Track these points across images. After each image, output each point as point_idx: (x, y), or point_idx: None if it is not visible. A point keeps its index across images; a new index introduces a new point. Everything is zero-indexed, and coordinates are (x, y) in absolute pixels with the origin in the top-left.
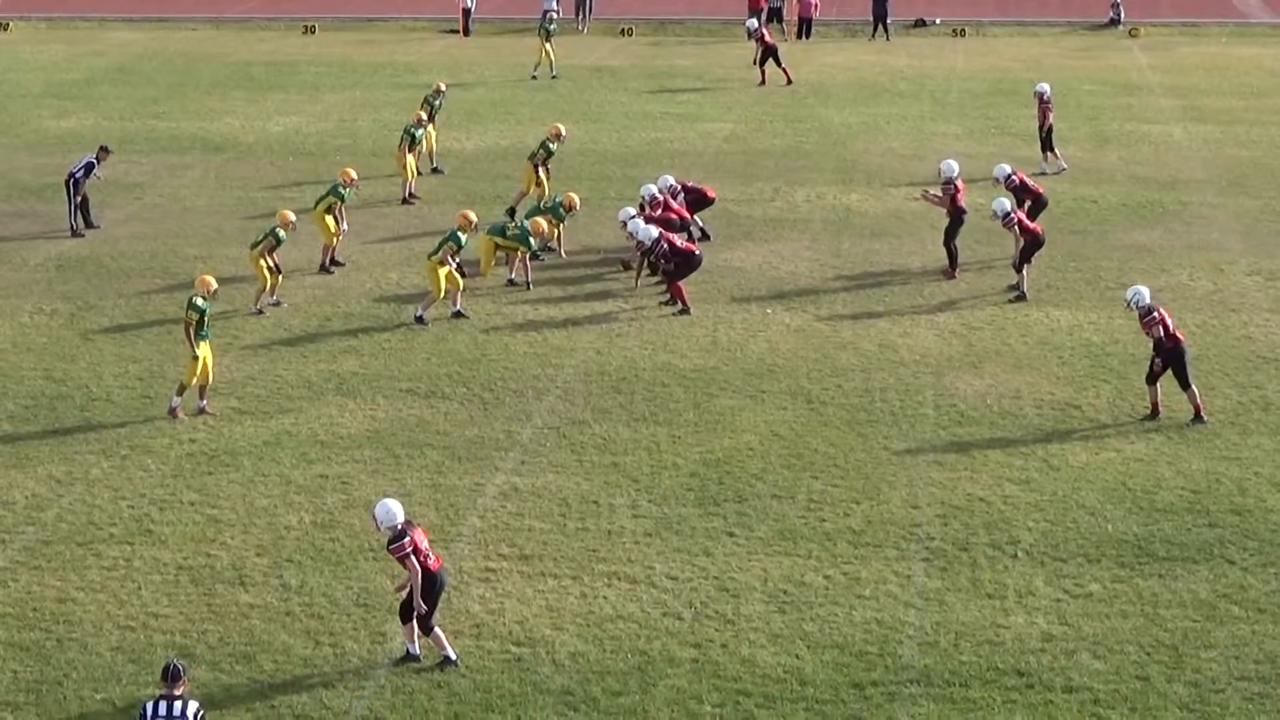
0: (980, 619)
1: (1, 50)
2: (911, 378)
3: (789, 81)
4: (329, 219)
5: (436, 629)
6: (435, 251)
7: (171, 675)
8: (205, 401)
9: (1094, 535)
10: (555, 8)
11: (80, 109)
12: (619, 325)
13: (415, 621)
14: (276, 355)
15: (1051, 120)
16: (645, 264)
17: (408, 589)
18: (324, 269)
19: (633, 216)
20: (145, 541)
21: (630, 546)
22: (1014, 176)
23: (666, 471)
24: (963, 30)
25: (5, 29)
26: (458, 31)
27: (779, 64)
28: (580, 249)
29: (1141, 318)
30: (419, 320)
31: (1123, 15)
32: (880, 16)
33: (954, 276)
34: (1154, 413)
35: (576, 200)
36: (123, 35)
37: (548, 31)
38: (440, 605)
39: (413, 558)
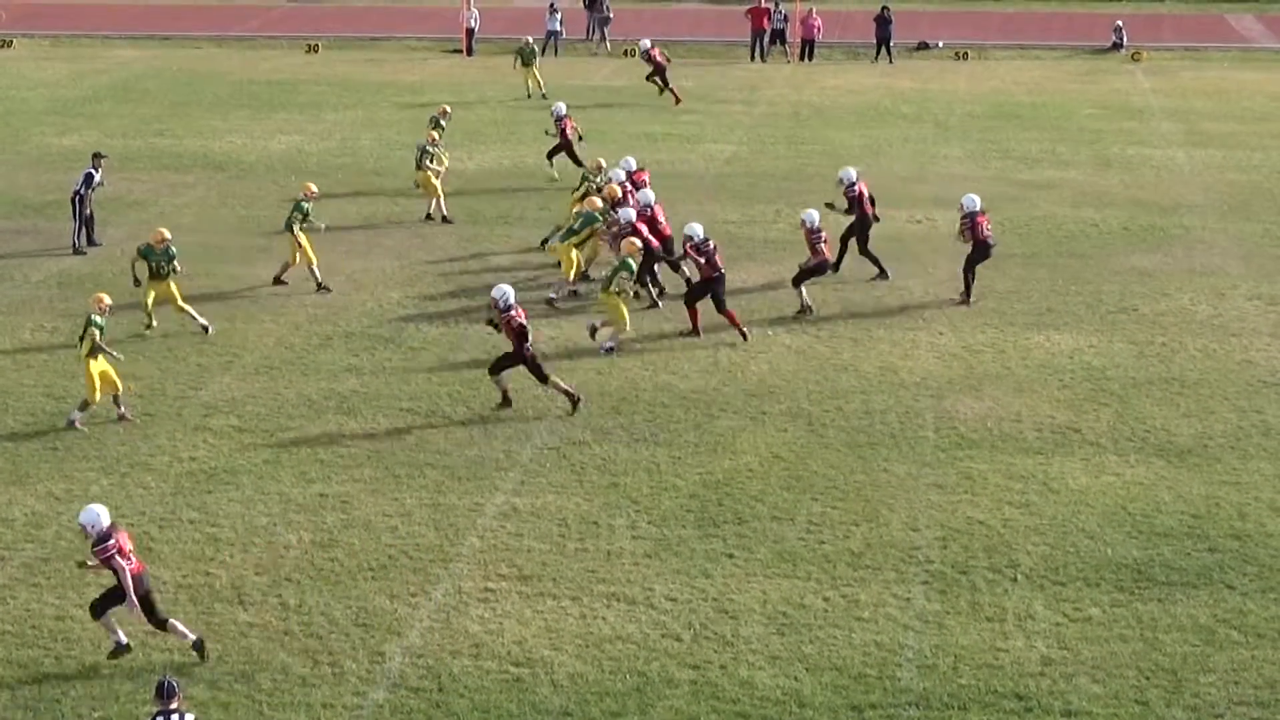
0: (979, 642)
1: (5, 67)
2: (912, 400)
3: (677, 102)
4: (304, 236)
5: (172, 620)
6: (610, 283)
7: (166, 692)
8: (124, 408)
9: (1094, 559)
10: (559, 29)
11: (83, 126)
12: (619, 346)
13: (139, 613)
14: (277, 373)
15: (570, 138)
16: (646, 277)
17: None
18: (321, 287)
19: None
20: (144, 559)
21: (630, 567)
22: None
23: (666, 492)
24: (965, 53)
25: (9, 46)
26: (461, 51)
27: (666, 85)
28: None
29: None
30: (608, 351)
31: (1125, 39)
32: (883, 39)
33: (968, 303)
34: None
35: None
36: (126, 53)
37: (524, 57)
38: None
39: (117, 558)
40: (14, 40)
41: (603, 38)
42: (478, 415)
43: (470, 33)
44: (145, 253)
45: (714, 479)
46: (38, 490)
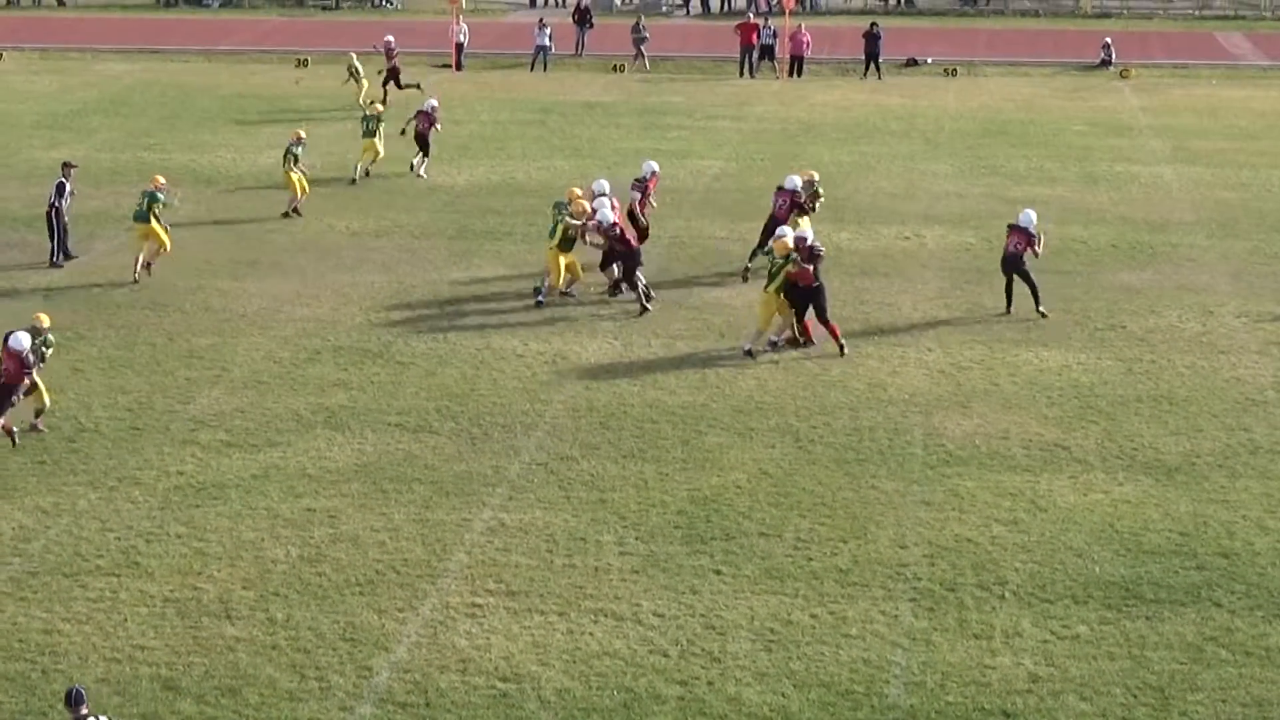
0: (967, 659)
1: None
2: (900, 417)
3: (381, 100)
4: (159, 227)
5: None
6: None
7: (75, 700)
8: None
9: (1081, 577)
10: (549, 44)
11: (72, 140)
12: (608, 361)
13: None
14: (265, 388)
15: (426, 130)
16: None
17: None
18: (145, 271)
19: (606, 193)
20: (132, 574)
21: (617, 583)
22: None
23: (654, 508)
24: (954, 70)
25: None
26: (450, 66)
27: (400, 86)
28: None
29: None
30: (748, 355)
31: (1114, 56)
32: (872, 55)
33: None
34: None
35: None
36: (115, 67)
37: (353, 75)
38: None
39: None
40: (2, 54)
41: (640, 54)
42: (465, 430)
43: (459, 47)
44: None
45: (702, 495)
46: (25, 504)
